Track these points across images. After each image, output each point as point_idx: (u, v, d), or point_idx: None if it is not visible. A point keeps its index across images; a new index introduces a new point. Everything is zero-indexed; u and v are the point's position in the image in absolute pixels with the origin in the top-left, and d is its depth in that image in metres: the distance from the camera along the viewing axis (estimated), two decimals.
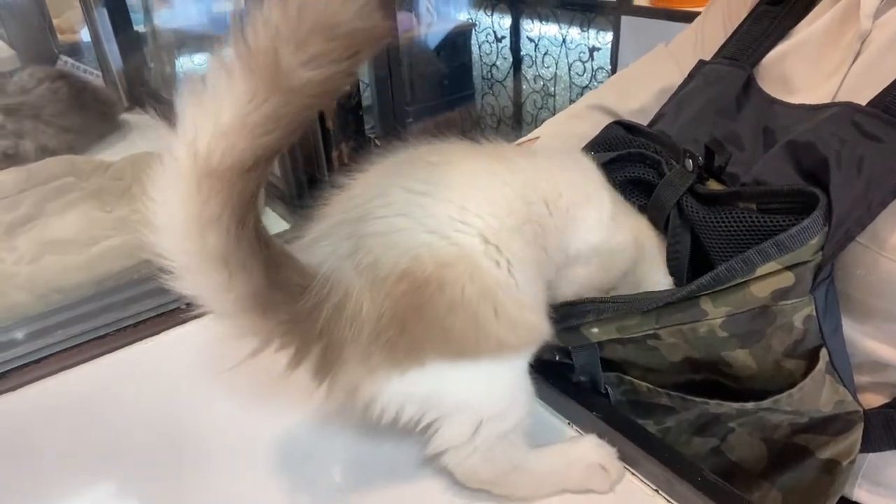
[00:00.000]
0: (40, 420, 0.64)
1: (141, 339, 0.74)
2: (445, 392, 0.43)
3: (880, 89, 0.48)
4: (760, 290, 0.45)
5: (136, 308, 0.77)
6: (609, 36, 2.62)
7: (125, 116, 1.43)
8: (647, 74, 0.71)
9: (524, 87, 3.20)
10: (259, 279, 0.36)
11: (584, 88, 2.89)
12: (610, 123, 0.63)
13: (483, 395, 0.44)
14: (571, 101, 2.98)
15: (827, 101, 0.52)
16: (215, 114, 0.32)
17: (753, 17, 0.61)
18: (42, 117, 1.26)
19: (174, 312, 0.77)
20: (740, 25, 0.62)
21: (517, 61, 3.18)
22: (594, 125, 0.69)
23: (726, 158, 0.53)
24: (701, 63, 0.62)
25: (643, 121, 0.67)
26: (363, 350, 0.39)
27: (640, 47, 2.53)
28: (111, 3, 1.46)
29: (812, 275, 0.45)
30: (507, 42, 3.20)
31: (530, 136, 0.73)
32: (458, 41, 3.27)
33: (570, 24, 2.84)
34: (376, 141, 0.80)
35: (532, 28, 3.04)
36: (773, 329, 0.46)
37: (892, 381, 0.52)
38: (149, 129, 1.40)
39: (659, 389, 0.52)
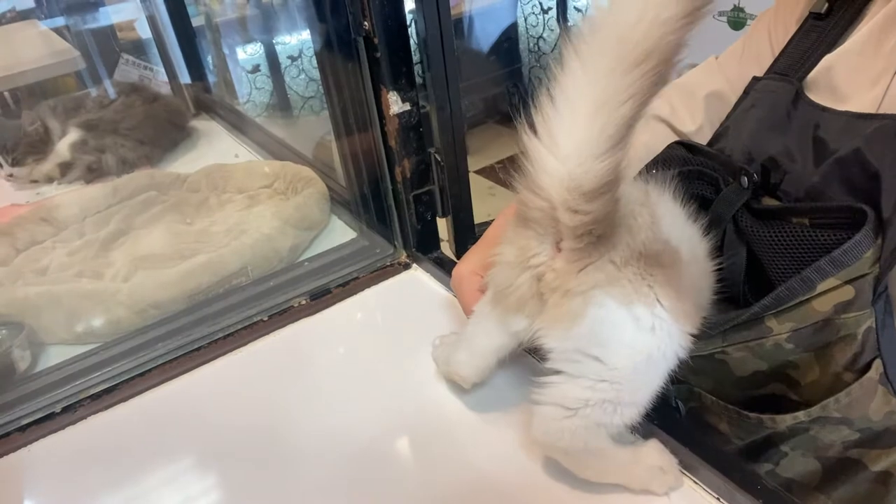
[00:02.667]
0: (146, 430, 0.72)
1: (231, 350, 0.81)
2: (620, 354, 0.45)
3: None
4: (822, 305, 0.47)
5: (224, 321, 0.84)
6: None
7: (193, 123, 1.50)
8: (699, 86, 0.72)
9: None
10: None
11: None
12: (672, 143, 0.65)
13: (642, 378, 0.47)
14: None
15: (873, 109, 0.53)
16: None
17: (802, 32, 0.62)
18: (120, 131, 1.35)
19: (258, 325, 0.84)
20: (790, 41, 0.62)
21: (565, 32, 3.11)
22: (654, 135, 0.71)
23: (781, 176, 0.54)
24: (755, 80, 0.64)
25: (698, 136, 0.69)
26: (623, 258, 0.44)
27: None
28: None
29: (872, 287, 0.47)
30: (553, 13, 3.15)
31: None
32: (502, 15, 3.23)
33: None
34: (437, 156, 0.84)
35: None
36: (836, 340, 0.49)
37: None
38: (215, 135, 1.48)
39: (720, 402, 0.55)
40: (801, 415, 0.51)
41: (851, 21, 0.58)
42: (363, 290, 0.89)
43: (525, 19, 3.31)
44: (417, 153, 0.85)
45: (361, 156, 0.90)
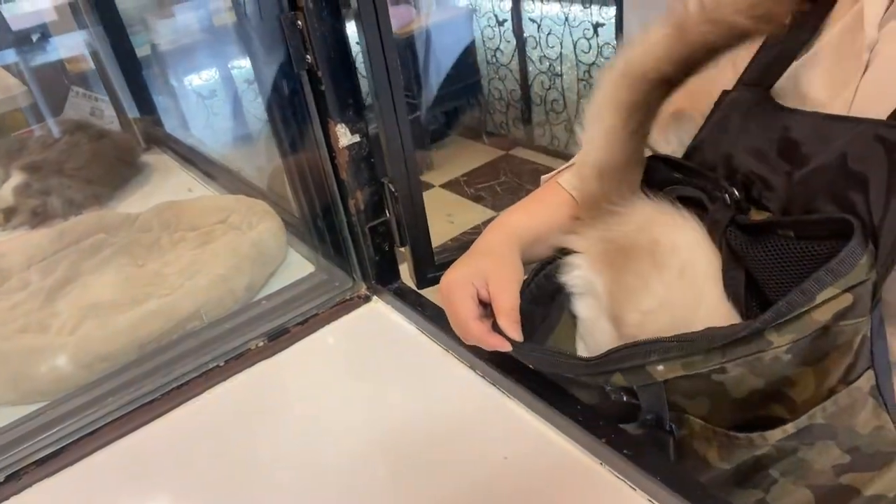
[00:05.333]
0: (97, 494, 0.68)
1: (186, 400, 0.78)
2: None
3: (894, 99, 0.48)
4: (822, 315, 0.47)
5: (178, 370, 0.81)
6: (612, 11, 2.58)
7: (144, 158, 1.46)
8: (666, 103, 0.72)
9: (530, 68, 3.17)
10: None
11: (591, 66, 2.85)
12: (649, 158, 0.65)
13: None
14: (579, 80, 2.96)
15: (844, 111, 0.53)
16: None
17: (770, 42, 0.61)
18: (65, 171, 1.30)
19: (214, 371, 0.81)
20: (757, 53, 0.62)
21: (521, 43, 3.14)
22: None
23: (762, 187, 0.55)
24: (724, 93, 0.64)
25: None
26: None
27: (645, 19, 2.50)
28: (108, 23, 1.47)
29: (870, 294, 0.47)
30: (508, 25, 3.17)
31: (567, 165, 0.74)
32: (459, 28, 3.24)
33: (572, 1, 2.80)
34: (390, 186, 0.82)
35: (533, 9, 3.00)
36: (832, 350, 0.48)
37: None
38: (168, 169, 1.44)
39: (709, 426, 0.54)
40: (789, 427, 0.50)
41: (815, 29, 0.58)
42: (323, 326, 0.86)
43: (481, 32, 3.32)
44: (370, 184, 0.83)
45: (314, 189, 0.87)
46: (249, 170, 1.27)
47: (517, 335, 0.58)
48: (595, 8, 2.71)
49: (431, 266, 0.89)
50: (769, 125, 0.56)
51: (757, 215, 0.55)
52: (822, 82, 0.55)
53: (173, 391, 0.79)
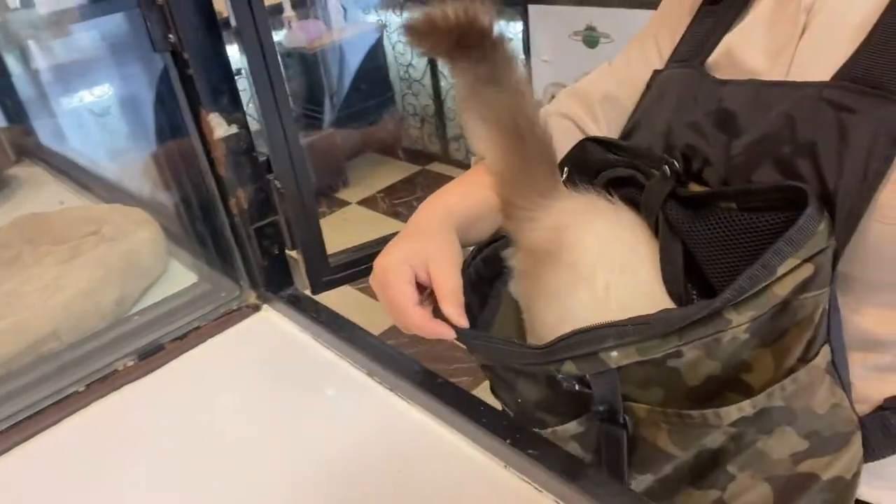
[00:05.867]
0: None
1: (41, 430, 0.68)
2: None
3: (835, 60, 0.47)
4: (782, 289, 0.44)
5: (31, 397, 0.70)
6: (519, 25, 2.61)
7: (13, 171, 1.32)
8: (593, 89, 0.69)
9: (443, 83, 3.17)
10: None
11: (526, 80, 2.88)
12: (583, 141, 0.61)
13: None
14: None
15: (781, 78, 0.51)
16: None
17: (697, 19, 0.61)
18: None
19: (73, 397, 0.70)
20: (687, 30, 0.61)
21: (433, 59, 3.14)
22: (563, 132, 0.68)
23: (702, 162, 0.52)
24: (655, 73, 0.62)
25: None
26: None
27: (550, 34, 2.55)
28: None
29: (830, 263, 0.45)
30: None
31: None
32: (370, 44, 3.20)
33: None
34: (276, 183, 0.75)
35: None
36: (792, 326, 0.45)
37: (880, 366, 0.51)
38: (39, 182, 1.30)
39: (658, 409, 0.49)
40: (746, 405, 0.46)
41: (746, 1, 0.57)
42: (205, 340, 0.78)
43: (393, 48, 3.30)
44: (254, 181, 0.76)
45: (190, 188, 0.79)
46: (129, 176, 1.16)
47: (463, 321, 0.52)
48: (502, 23, 2.74)
49: (327, 269, 0.82)
50: (705, 99, 0.54)
51: (696, 189, 0.53)
52: (757, 51, 0.54)
53: (24, 421, 0.68)
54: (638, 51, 0.67)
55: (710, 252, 0.49)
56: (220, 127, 0.70)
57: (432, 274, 0.53)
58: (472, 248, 0.61)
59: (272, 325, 0.81)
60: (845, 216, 0.44)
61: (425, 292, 0.54)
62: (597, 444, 0.53)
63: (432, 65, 3.15)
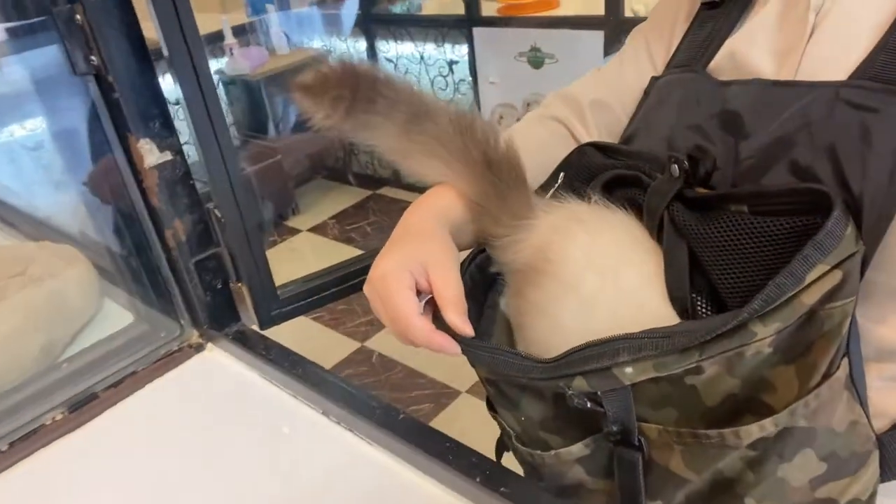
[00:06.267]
0: None
1: None
2: None
3: (849, 60, 0.46)
4: (810, 297, 0.41)
5: None
6: (465, 48, 2.63)
7: None
8: (582, 94, 0.68)
9: None
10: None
11: (449, 102, 2.88)
12: (582, 146, 0.59)
13: None
14: None
15: (790, 77, 0.50)
16: None
17: (696, 24, 0.59)
18: None
19: None
20: (685, 35, 0.60)
21: None
22: (551, 133, 0.66)
23: (711, 165, 0.49)
24: (653, 79, 0.60)
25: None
26: None
27: (496, 55, 2.57)
28: None
29: (859, 269, 0.42)
30: None
31: None
32: None
33: (425, 40, 2.83)
34: (216, 212, 0.70)
35: (388, 49, 3.00)
36: (818, 339, 0.42)
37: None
38: None
39: (670, 430, 0.46)
40: (767, 423, 0.43)
41: (747, 4, 0.56)
42: (142, 386, 0.72)
43: None
44: (192, 211, 0.71)
45: (122, 221, 0.73)
46: (60, 211, 1.09)
47: (468, 330, 0.48)
48: (448, 46, 2.75)
49: (275, 302, 0.77)
50: (708, 101, 0.52)
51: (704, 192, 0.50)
52: (763, 52, 0.52)
53: None
54: (630, 59, 0.66)
55: (718, 257, 0.46)
56: (151, 154, 0.65)
57: (433, 279, 0.49)
58: (467, 254, 0.57)
59: (217, 365, 0.75)
60: (875, 220, 0.42)
61: (423, 299, 0.50)
62: (605, 468, 0.50)
63: None
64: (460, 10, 2.54)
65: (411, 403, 1.94)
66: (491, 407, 0.56)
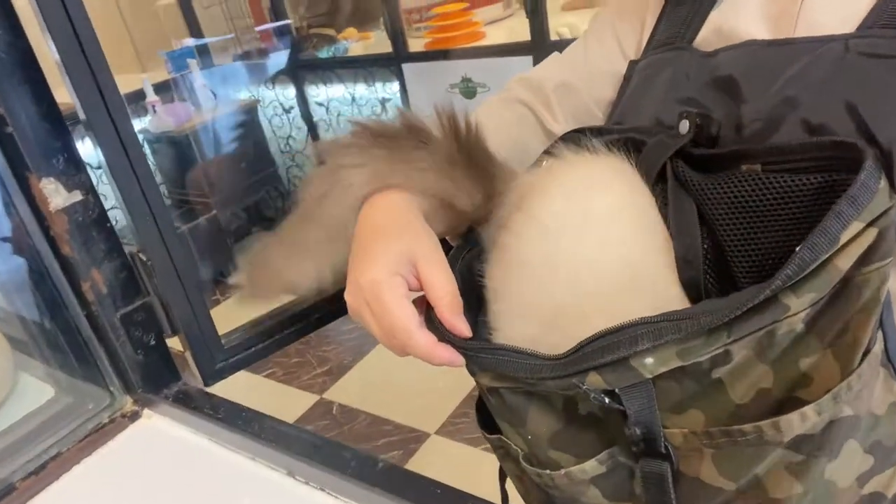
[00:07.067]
0: None
1: None
2: None
3: (851, 14, 0.43)
4: (845, 261, 0.36)
5: None
6: (395, 85, 2.62)
7: None
8: (545, 79, 0.64)
9: None
10: None
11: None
12: (568, 133, 0.54)
13: None
14: None
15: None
16: None
17: (672, 5, 0.57)
18: None
19: None
20: (661, 14, 0.57)
21: (312, 128, 3.08)
22: (520, 119, 0.63)
23: (718, 127, 0.45)
24: (632, 63, 0.57)
25: None
26: None
27: (428, 89, 2.56)
28: None
29: (894, 227, 0.38)
30: (296, 111, 3.09)
31: None
32: (245, 121, 3.09)
33: (355, 81, 2.81)
34: (141, 256, 0.61)
35: (318, 93, 2.96)
36: (856, 312, 0.37)
37: None
38: None
39: (699, 432, 0.39)
40: (809, 410, 0.37)
41: None
42: (70, 469, 0.61)
43: (269, 122, 3.21)
44: (111, 257, 0.61)
45: (30, 278, 0.63)
46: None
47: (466, 331, 0.44)
48: (379, 84, 2.74)
49: (220, 352, 0.68)
50: (699, 72, 0.49)
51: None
52: (754, 19, 0.49)
53: None
54: (595, 42, 0.63)
55: (729, 218, 0.42)
56: (56, 195, 0.56)
57: (424, 276, 0.45)
58: (451, 252, 0.51)
59: (157, 433, 0.65)
60: None
61: (412, 298, 0.45)
62: (624, 489, 0.43)
63: (312, 135, 3.08)
64: (387, 48, 2.53)
65: (379, 453, 1.83)
66: (489, 428, 0.49)
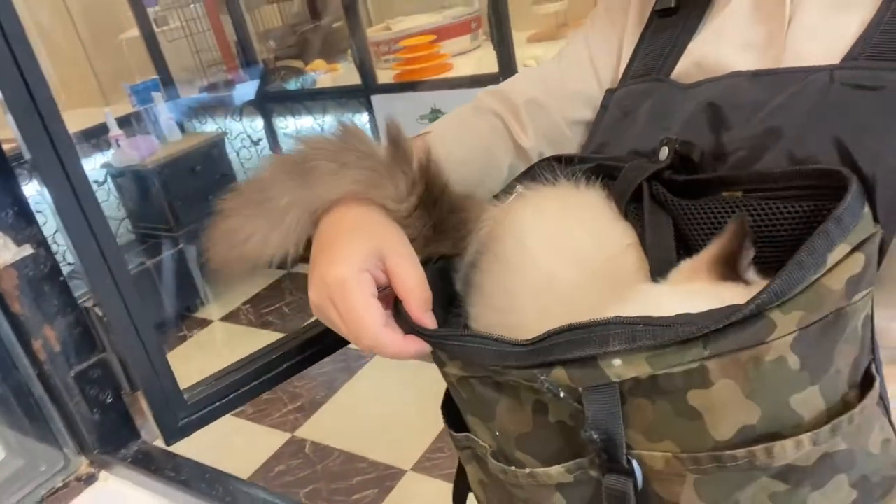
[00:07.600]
0: None
1: None
2: None
3: (836, 45, 0.44)
4: (834, 282, 0.36)
5: None
6: (365, 116, 2.62)
7: None
8: (516, 93, 0.64)
9: None
10: None
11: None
12: (542, 161, 0.55)
13: None
14: None
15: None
16: None
17: (650, 33, 0.57)
18: None
19: None
20: (639, 44, 0.57)
21: None
22: (494, 129, 0.62)
23: (700, 154, 0.46)
24: (609, 92, 0.57)
25: (534, 152, 0.62)
26: None
27: (397, 119, 2.58)
28: None
29: (877, 256, 0.38)
30: (265, 143, 3.07)
31: (423, 130, 0.63)
32: (212, 153, 3.05)
33: (324, 112, 2.80)
34: (96, 310, 0.59)
35: (286, 124, 2.95)
36: (842, 343, 0.37)
37: None
38: None
39: (681, 456, 0.37)
40: (805, 439, 0.36)
41: (706, 7, 0.54)
42: None
43: (237, 154, 3.17)
44: (64, 313, 0.59)
45: None
46: None
47: (431, 322, 0.44)
48: (348, 116, 2.74)
49: (182, 409, 0.65)
50: (681, 105, 0.49)
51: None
52: (735, 49, 0.50)
53: None
54: (571, 64, 0.63)
55: (709, 240, 0.42)
56: (5, 250, 0.54)
57: (392, 270, 0.45)
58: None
59: (116, 497, 0.62)
60: (891, 198, 0.39)
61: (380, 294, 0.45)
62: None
63: None
64: (356, 80, 2.54)
65: (353, 492, 1.79)
66: (455, 427, 0.48)
